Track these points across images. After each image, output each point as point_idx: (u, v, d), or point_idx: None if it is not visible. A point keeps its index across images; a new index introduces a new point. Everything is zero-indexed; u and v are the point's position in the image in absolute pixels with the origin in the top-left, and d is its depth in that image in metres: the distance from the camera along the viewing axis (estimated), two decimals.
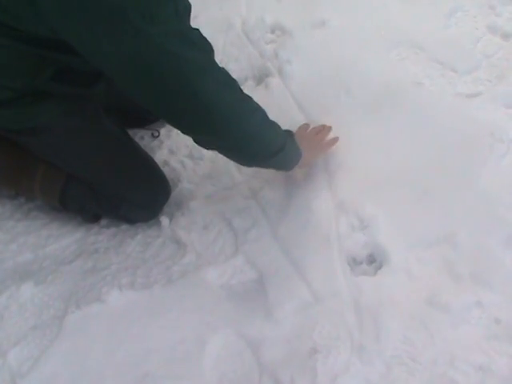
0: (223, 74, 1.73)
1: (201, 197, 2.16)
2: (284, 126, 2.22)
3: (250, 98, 1.82)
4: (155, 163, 2.18)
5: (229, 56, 2.69)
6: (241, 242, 2.00)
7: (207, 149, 1.90)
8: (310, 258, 1.92)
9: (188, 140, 2.20)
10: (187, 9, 1.66)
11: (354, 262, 1.92)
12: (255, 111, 1.83)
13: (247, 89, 2.53)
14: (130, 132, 2.23)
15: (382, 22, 2.71)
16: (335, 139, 2.20)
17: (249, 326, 1.77)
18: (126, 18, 1.48)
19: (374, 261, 1.92)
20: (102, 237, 2.11)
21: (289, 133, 2.02)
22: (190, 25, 1.65)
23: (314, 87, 2.47)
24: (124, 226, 2.13)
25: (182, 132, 1.80)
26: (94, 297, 1.88)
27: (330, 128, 2.23)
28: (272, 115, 2.19)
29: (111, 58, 1.58)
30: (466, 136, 2.15)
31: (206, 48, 1.67)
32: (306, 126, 2.22)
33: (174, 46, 1.56)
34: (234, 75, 2.49)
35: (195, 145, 2.06)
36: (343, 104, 2.37)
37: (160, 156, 2.32)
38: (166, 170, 2.22)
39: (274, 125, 1.92)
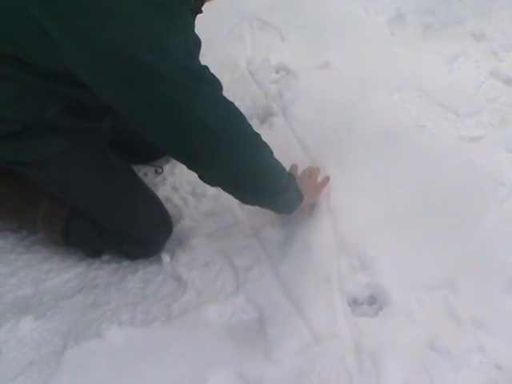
0: (233, 107, 1.75)
1: (202, 234, 2.16)
2: (287, 165, 2.24)
3: (258, 134, 1.83)
4: (158, 199, 2.18)
5: (234, 95, 2.70)
6: (242, 280, 2.00)
7: (212, 185, 1.91)
8: (311, 298, 1.91)
9: (191, 177, 2.22)
10: (197, 45, 1.70)
11: (354, 303, 1.92)
12: (263, 148, 1.85)
13: None
14: (134, 168, 2.23)
15: (386, 64, 2.74)
16: (326, 179, 2.23)
17: (248, 365, 1.76)
18: (136, 52, 1.50)
19: (374, 302, 1.91)
20: (102, 272, 2.10)
21: (291, 174, 2.03)
22: (199, 61, 1.67)
23: (317, 127, 2.49)
24: (125, 262, 2.12)
25: (189, 167, 1.80)
26: (94, 332, 1.87)
27: (318, 169, 2.25)
28: (275, 154, 2.20)
29: (121, 92, 1.60)
30: (468, 179, 2.16)
31: (214, 83, 1.70)
32: (295, 167, 2.23)
33: (185, 81, 1.58)
34: None
35: (198, 182, 2.06)
36: (346, 145, 2.38)
37: (163, 192, 2.33)
38: (168, 206, 2.22)
39: (279, 164, 1.93)
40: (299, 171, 2.22)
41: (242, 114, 1.78)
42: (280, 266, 2.02)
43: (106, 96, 1.65)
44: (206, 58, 2.81)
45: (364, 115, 2.49)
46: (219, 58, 2.72)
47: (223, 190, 1.89)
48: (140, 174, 2.31)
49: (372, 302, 1.92)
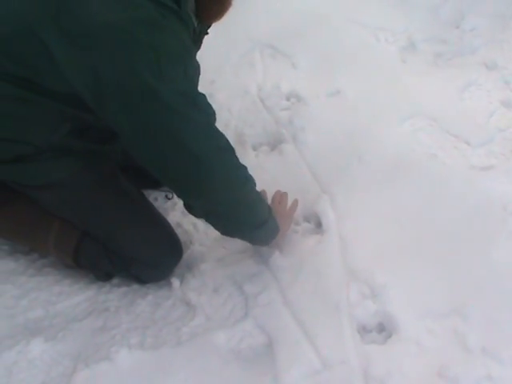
0: (223, 139, 1.79)
1: (212, 260, 2.17)
2: (297, 191, 2.25)
3: (245, 167, 1.88)
4: (168, 224, 2.19)
5: (244, 121, 2.73)
6: (251, 306, 2.00)
7: (197, 216, 1.96)
8: (320, 325, 1.91)
9: None
10: (196, 73, 1.72)
11: (363, 330, 1.91)
12: (248, 180, 1.89)
13: (261, 154, 2.57)
14: (145, 193, 2.25)
15: (397, 93, 2.76)
16: (295, 203, 2.25)
17: None
18: (134, 71, 1.53)
19: (383, 329, 1.91)
20: (112, 296, 2.10)
21: (269, 206, 2.06)
22: (197, 88, 1.70)
23: (328, 155, 2.50)
24: (135, 286, 2.13)
25: (176, 193, 1.87)
26: (103, 355, 1.87)
27: (286, 194, 2.26)
28: (285, 181, 2.24)
29: (116, 110, 1.63)
30: (479, 209, 2.17)
31: (208, 112, 1.73)
32: (264, 193, 2.23)
33: (179, 105, 1.61)
34: (249, 141, 2.56)
35: None
36: (356, 172, 2.40)
37: (173, 218, 2.34)
38: (178, 231, 2.22)
39: (261, 197, 1.99)
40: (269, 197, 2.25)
41: (231, 146, 1.82)
42: (289, 291, 2.03)
43: (103, 114, 1.68)
44: (216, 84, 2.88)
45: (374, 143, 2.50)
46: (230, 85, 2.75)
47: (206, 220, 1.94)
48: (150, 199, 2.32)
49: (381, 330, 1.92)
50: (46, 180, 1.95)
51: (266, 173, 2.40)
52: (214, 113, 1.76)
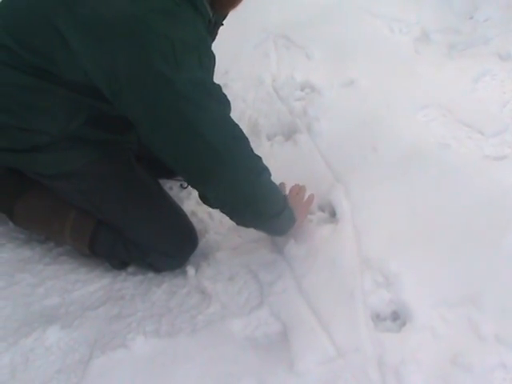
0: (238, 129, 1.79)
1: (227, 248, 2.18)
2: (311, 181, 2.25)
3: (259, 157, 1.88)
4: (183, 212, 2.21)
5: (258, 111, 2.74)
6: (266, 294, 2.01)
7: (212, 207, 1.96)
8: (334, 313, 1.92)
9: None
10: (211, 62, 1.73)
11: (377, 318, 1.92)
12: (263, 170, 1.88)
13: (276, 144, 2.57)
14: (160, 182, 2.26)
15: (410, 83, 2.75)
16: (311, 197, 2.25)
17: (272, 377, 1.77)
18: (149, 60, 1.54)
19: (398, 318, 1.92)
20: (128, 284, 2.12)
21: (285, 196, 2.07)
22: (212, 78, 1.70)
23: (342, 145, 2.50)
24: (150, 274, 2.14)
25: (190, 183, 1.87)
26: (119, 343, 1.89)
27: (304, 187, 2.27)
28: (300, 171, 2.24)
29: (132, 100, 1.65)
30: (492, 198, 2.16)
31: (223, 102, 1.73)
32: (283, 186, 2.23)
33: (194, 94, 1.62)
34: (264, 131, 2.56)
35: None
36: (370, 162, 2.40)
37: (188, 206, 2.35)
38: (193, 220, 2.24)
39: (276, 187, 1.98)
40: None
41: (245, 136, 1.83)
42: (303, 280, 2.04)
43: (118, 104, 1.69)
44: (230, 74, 2.89)
45: (388, 133, 2.50)
46: (244, 75, 2.75)
47: (221, 211, 1.94)
48: (165, 188, 2.33)
49: (395, 318, 1.93)
50: (62, 169, 1.97)
51: (281, 162, 2.41)
52: (228, 103, 1.77)
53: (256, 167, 1.86)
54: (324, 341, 1.85)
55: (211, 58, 1.76)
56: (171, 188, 2.43)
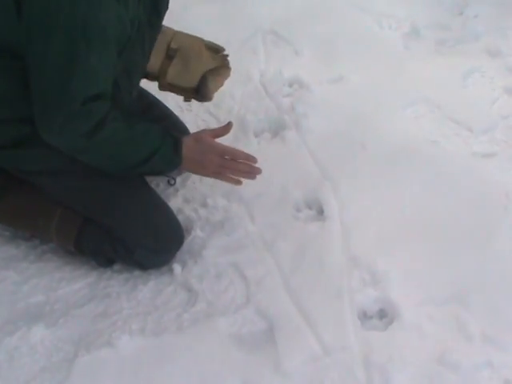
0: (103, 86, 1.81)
1: (214, 246, 2.16)
2: (299, 178, 2.24)
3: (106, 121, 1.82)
4: (170, 209, 2.19)
5: (246, 107, 2.73)
6: (252, 292, 2.00)
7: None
8: (321, 311, 1.91)
9: (202, 189, 2.23)
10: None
11: (364, 317, 1.92)
12: (105, 140, 1.85)
13: (263, 141, 2.56)
14: (147, 179, 2.24)
15: (400, 79, 2.76)
16: (237, 181, 2.05)
17: (257, 376, 1.76)
18: None
19: (384, 316, 1.92)
20: (114, 282, 2.10)
21: (167, 139, 1.96)
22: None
23: (330, 141, 2.50)
24: (136, 272, 2.12)
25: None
26: (104, 341, 1.87)
27: (209, 132, 2.05)
28: (287, 168, 2.22)
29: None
30: (481, 196, 2.17)
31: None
32: (205, 133, 2.05)
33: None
34: (251, 127, 2.55)
35: (210, 194, 2.12)
36: (358, 159, 2.40)
37: (174, 204, 2.33)
38: (179, 217, 2.22)
39: (133, 141, 1.92)
40: None
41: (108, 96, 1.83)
42: (291, 278, 2.03)
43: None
44: None
45: (377, 130, 2.51)
46: (232, 71, 2.73)
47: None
48: (152, 185, 2.32)
49: (382, 316, 1.93)
50: (47, 166, 1.96)
51: (268, 159, 2.39)
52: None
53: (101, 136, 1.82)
54: (310, 339, 1.84)
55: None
56: (158, 185, 2.41)
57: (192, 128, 2.50)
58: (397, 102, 2.66)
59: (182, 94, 2.33)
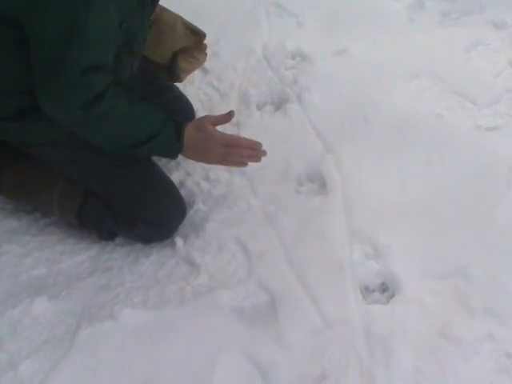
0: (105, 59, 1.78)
1: (216, 219, 2.16)
2: (301, 151, 2.23)
3: (120, 89, 1.83)
4: (172, 182, 2.18)
5: (249, 80, 2.71)
6: (254, 265, 2.00)
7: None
8: (323, 284, 1.91)
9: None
10: None
11: (366, 290, 1.92)
12: (104, 115, 1.81)
13: (266, 114, 2.55)
14: None
15: (403, 52, 2.74)
16: (242, 164, 2.02)
17: (259, 349, 1.77)
18: None
19: (386, 289, 1.92)
20: (116, 255, 2.11)
21: (168, 123, 1.92)
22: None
23: (333, 114, 2.49)
24: (138, 245, 2.13)
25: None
26: (107, 314, 1.88)
27: (211, 120, 1.98)
28: (289, 141, 2.21)
29: None
30: (484, 169, 2.16)
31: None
32: (206, 121, 1.98)
33: None
34: (254, 100, 2.54)
35: (212, 167, 2.11)
36: (361, 132, 2.39)
37: (176, 177, 2.33)
38: (182, 191, 2.22)
39: (132, 120, 1.89)
40: None
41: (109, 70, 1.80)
42: (293, 251, 2.03)
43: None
44: (221, 42, 2.86)
45: (380, 103, 2.49)
46: (235, 43, 2.73)
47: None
48: (154, 159, 2.31)
49: (384, 290, 1.93)
50: (48, 138, 1.95)
51: (271, 132, 2.39)
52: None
53: (85, 99, 1.76)
54: (312, 312, 1.85)
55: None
56: (159, 158, 2.40)
57: (194, 102, 2.49)
58: (400, 74, 2.64)
59: (156, 71, 2.32)
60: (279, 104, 2.62)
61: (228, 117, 2.00)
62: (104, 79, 1.78)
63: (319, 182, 2.26)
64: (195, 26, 2.26)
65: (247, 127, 2.44)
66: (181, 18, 2.24)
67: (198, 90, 2.69)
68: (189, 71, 2.28)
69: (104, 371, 1.74)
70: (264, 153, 1.97)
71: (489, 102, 2.49)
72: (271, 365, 1.73)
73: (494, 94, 2.53)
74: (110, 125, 1.85)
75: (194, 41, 2.24)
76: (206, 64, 2.62)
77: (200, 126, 1.96)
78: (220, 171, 2.27)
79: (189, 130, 1.93)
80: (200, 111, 2.56)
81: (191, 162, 2.32)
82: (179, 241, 2.11)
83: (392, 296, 1.89)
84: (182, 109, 2.36)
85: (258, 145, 1.96)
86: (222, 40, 2.88)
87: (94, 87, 1.75)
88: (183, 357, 1.77)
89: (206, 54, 2.30)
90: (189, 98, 2.45)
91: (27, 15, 1.68)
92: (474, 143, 2.29)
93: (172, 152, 1.98)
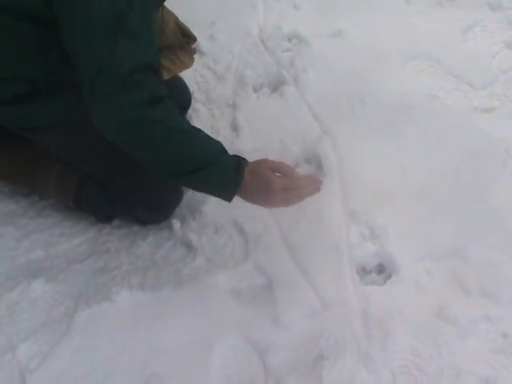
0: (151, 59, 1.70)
1: (213, 201, 2.15)
2: (298, 133, 2.23)
3: (168, 99, 1.68)
4: None
5: (245, 63, 2.71)
6: (251, 247, 2.01)
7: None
8: (320, 266, 1.92)
9: None
10: None
11: (363, 271, 1.93)
12: (157, 123, 1.66)
13: (263, 96, 2.54)
14: None
15: (400, 33, 2.73)
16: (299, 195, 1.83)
17: (256, 330, 1.78)
18: None
19: (383, 271, 1.93)
20: (113, 237, 2.11)
21: (227, 153, 1.77)
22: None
23: (329, 97, 2.48)
24: (135, 228, 2.13)
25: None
26: (104, 296, 1.89)
27: (308, 182, 1.84)
28: (286, 123, 2.21)
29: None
30: (480, 151, 2.16)
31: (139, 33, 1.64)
32: (264, 166, 1.79)
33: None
34: (250, 82, 2.53)
35: None
36: (357, 114, 2.39)
37: None
38: None
39: (186, 136, 1.71)
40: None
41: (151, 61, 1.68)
42: (290, 233, 2.03)
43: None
44: (217, 25, 2.85)
45: (376, 85, 2.49)
46: (231, 26, 2.72)
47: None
48: None
49: (380, 271, 1.94)
50: (45, 122, 1.94)
51: (267, 114, 2.39)
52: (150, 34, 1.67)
53: (145, 100, 1.62)
54: (309, 294, 1.85)
55: None
56: None
57: (190, 84, 2.49)
58: (396, 56, 2.63)
59: None
60: (276, 86, 2.61)
61: (291, 170, 1.83)
62: (154, 80, 1.66)
63: (316, 164, 2.26)
64: (188, 29, 2.24)
65: (244, 109, 2.44)
66: (176, 17, 2.23)
67: (195, 72, 2.68)
68: (171, 72, 2.22)
69: (102, 353, 1.75)
70: (321, 182, 1.87)
71: (485, 84, 2.49)
72: (268, 346, 1.74)
73: (490, 75, 2.53)
74: (162, 138, 1.67)
75: (181, 40, 2.22)
76: (203, 46, 2.63)
77: (256, 170, 1.77)
78: None
79: (245, 171, 1.75)
80: (196, 93, 2.56)
81: None
82: (176, 223, 2.11)
83: (389, 277, 1.89)
84: (178, 91, 2.36)
85: (315, 178, 1.88)
86: (219, 23, 2.88)
87: (146, 86, 1.62)
88: (181, 338, 1.78)
89: (193, 59, 2.28)
90: (185, 80, 2.45)
91: (66, 13, 1.62)
92: (470, 125, 2.29)
93: (230, 186, 1.76)
